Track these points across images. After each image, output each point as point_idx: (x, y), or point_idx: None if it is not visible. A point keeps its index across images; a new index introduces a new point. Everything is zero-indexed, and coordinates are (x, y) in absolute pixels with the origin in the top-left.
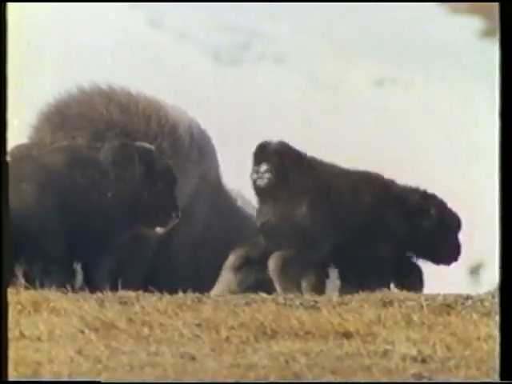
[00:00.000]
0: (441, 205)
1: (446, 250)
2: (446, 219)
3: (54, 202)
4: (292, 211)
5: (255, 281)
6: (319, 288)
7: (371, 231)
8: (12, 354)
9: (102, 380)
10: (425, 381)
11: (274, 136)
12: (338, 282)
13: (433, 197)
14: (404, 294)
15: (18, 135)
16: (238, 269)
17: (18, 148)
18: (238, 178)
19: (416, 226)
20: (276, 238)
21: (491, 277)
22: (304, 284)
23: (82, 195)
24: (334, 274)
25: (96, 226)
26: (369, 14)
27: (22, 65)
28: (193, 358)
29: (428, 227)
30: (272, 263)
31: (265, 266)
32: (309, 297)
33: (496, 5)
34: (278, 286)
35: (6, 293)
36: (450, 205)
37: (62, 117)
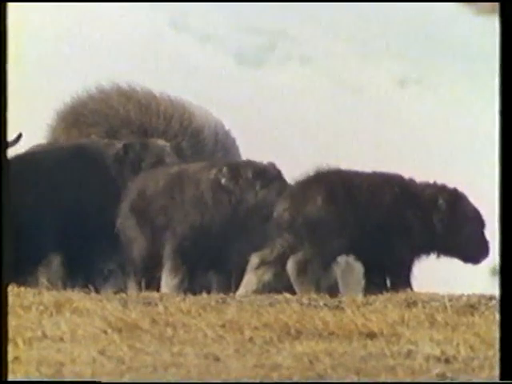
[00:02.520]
0: (461, 201)
1: (473, 248)
2: (468, 216)
3: None
4: (308, 211)
5: (279, 281)
6: (334, 289)
7: (392, 231)
8: (34, 354)
9: (126, 380)
10: (448, 381)
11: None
12: (362, 282)
13: (451, 192)
14: (428, 294)
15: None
16: (259, 270)
17: None
18: None
19: (434, 223)
20: (294, 238)
21: None
22: (323, 284)
23: None
24: (359, 272)
25: None
26: (392, 16)
27: (40, 65)
28: (216, 359)
29: (448, 223)
30: (290, 266)
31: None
32: (331, 297)
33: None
34: (296, 289)
35: (6, 293)
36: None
37: (77, 115)
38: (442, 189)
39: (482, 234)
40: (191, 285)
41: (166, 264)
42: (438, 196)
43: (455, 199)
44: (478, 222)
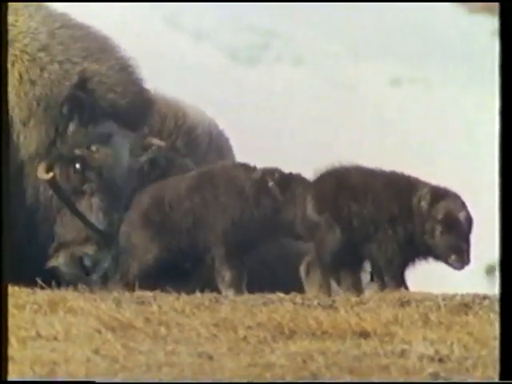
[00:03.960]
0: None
1: (452, 252)
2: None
3: None
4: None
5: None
6: (356, 288)
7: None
8: (28, 353)
9: (118, 380)
10: (441, 381)
11: (291, 135)
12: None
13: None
14: (422, 293)
15: None
16: (307, 273)
17: None
18: None
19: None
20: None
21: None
22: (342, 285)
23: None
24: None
25: None
26: (385, 15)
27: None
28: (210, 358)
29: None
30: (301, 267)
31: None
32: (326, 297)
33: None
34: (306, 289)
35: (6, 292)
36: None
37: None
38: (430, 189)
39: (464, 238)
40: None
41: (218, 259)
42: (421, 197)
43: (436, 201)
44: (459, 226)
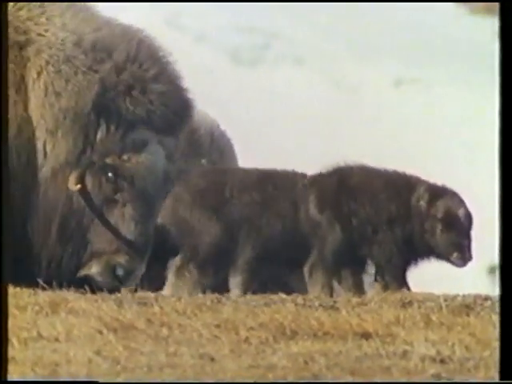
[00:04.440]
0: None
1: (453, 250)
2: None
3: None
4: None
5: None
6: (357, 288)
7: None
8: (29, 354)
9: (120, 380)
10: (443, 381)
11: (292, 136)
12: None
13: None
14: (423, 294)
15: None
16: (310, 275)
17: None
18: None
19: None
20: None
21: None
22: (343, 285)
23: None
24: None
25: None
26: (387, 15)
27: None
28: (212, 359)
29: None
30: (304, 269)
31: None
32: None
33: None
34: (309, 291)
35: (6, 292)
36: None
37: None
38: (427, 188)
39: (465, 235)
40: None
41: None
42: (420, 196)
43: (435, 199)
44: (459, 223)
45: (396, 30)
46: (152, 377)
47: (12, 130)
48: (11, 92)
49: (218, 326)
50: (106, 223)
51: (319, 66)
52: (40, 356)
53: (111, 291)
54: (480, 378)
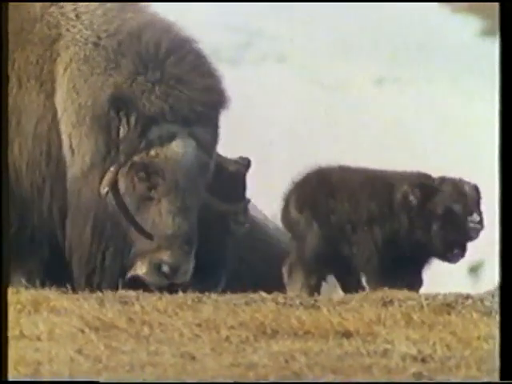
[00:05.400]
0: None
1: (444, 246)
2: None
3: None
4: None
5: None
6: (342, 288)
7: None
8: (12, 353)
9: (102, 380)
10: (425, 380)
11: (274, 134)
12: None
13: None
14: (404, 293)
15: None
16: (290, 274)
17: None
18: None
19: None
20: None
21: (491, 276)
22: (328, 284)
23: None
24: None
25: None
26: (369, 14)
27: None
28: (193, 358)
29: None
30: (283, 269)
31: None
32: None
33: (496, 4)
34: (288, 290)
35: (6, 292)
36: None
37: None
38: (415, 184)
39: (457, 231)
40: None
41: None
42: (407, 192)
43: (432, 195)
44: (451, 218)
45: (378, 29)
46: (133, 376)
47: (32, 120)
48: (34, 85)
49: (198, 325)
50: (138, 227)
51: (301, 64)
52: (22, 355)
53: (161, 289)
54: (461, 376)
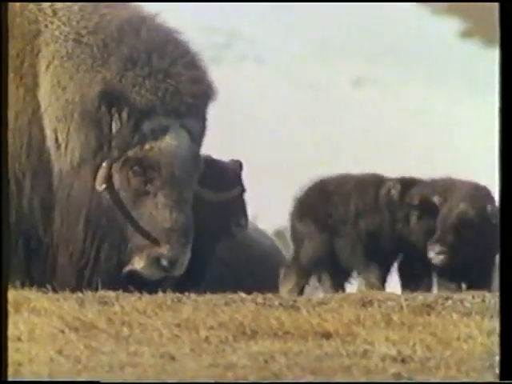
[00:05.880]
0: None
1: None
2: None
3: None
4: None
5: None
6: (336, 289)
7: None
8: None
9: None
10: (405, 380)
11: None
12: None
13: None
14: (384, 294)
15: None
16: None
17: None
18: None
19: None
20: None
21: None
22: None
23: None
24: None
25: None
26: (349, 15)
27: None
28: (172, 358)
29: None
30: (281, 271)
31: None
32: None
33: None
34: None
35: (6, 293)
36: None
37: None
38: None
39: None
40: None
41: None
42: (390, 187)
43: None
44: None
45: (357, 30)
46: (113, 376)
47: (11, 113)
48: (14, 78)
49: (178, 325)
50: (135, 224)
51: (280, 65)
52: (3, 356)
53: (158, 283)
54: (440, 377)
